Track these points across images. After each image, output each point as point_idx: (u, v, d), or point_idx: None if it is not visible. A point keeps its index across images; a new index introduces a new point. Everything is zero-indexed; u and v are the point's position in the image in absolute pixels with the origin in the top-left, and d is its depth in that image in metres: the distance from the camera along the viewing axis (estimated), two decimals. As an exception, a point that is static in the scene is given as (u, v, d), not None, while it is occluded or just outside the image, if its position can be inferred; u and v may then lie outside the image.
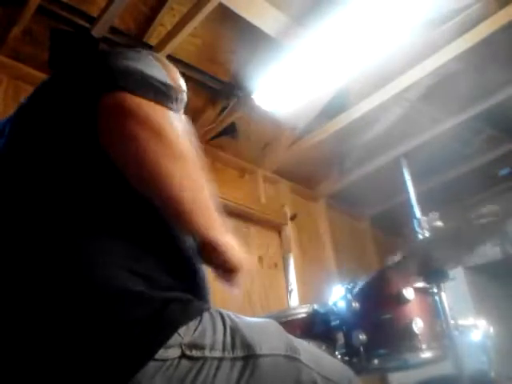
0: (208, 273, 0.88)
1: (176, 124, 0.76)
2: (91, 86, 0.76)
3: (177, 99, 0.79)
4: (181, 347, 0.70)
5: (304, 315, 1.70)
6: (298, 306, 2.47)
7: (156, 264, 0.77)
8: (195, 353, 0.71)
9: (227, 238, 0.81)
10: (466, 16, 2.49)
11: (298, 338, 0.88)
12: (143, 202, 0.79)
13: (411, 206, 1.47)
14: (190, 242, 0.87)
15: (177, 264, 0.82)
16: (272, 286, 3.16)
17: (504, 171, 3.74)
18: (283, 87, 2.74)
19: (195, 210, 0.76)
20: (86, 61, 0.87)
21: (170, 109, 0.77)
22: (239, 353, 0.75)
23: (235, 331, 0.77)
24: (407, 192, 1.52)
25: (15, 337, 0.70)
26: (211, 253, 0.80)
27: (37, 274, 0.72)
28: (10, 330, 0.70)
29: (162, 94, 0.76)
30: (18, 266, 0.74)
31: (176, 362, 0.69)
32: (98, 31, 2.32)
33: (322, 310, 1.71)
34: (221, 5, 2.24)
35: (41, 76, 2.48)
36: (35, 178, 0.81)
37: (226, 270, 0.82)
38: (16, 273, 0.73)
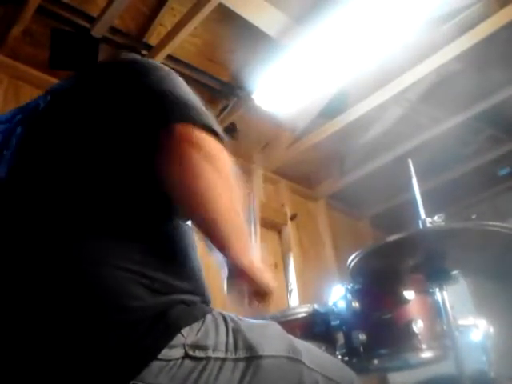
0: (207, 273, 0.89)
1: (226, 155, 0.85)
2: (153, 111, 0.81)
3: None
4: (184, 348, 0.70)
5: (304, 315, 1.70)
6: (298, 306, 2.47)
7: (160, 266, 0.78)
8: (198, 353, 0.71)
9: (256, 262, 0.86)
10: (467, 16, 2.49)
11: (298, 338, 0.88)
12: (152, 206, 0.82)
13: (416, 207, 1.46)
14: (192, 244, 0.88)
15: (180, 266, 0.82)
16: (272, 286, 3.16)
17: (504, 171, 3.74)
18: (283, 87, 2.74)
19: (232, 235, 0.82)
20: (124, 75, 0.89)
21: (222, 139, 0.85)
22: (241, 354, 0.75)
23: (237, 333, 0.78)
24: (412, 193, 1.50)
25: (20, 334, 0.70)
26: (243, 277, 0.85)
27: (41, 274, 0.72)
28: (16, 328, 0.71)
29: (216, 127, 0.85)
30: (23, 264, 0.74)
31: (179, 361, 0.70)
32: (97, 31, 2.32)
33: (322, 310, 1.71)
34: (220, 5, 2.24)
35: (41, 76, 2.48)
36: (48, 179, 0.81)
37: (257, 293, 0.88)
38: (21, 270, 0.74)
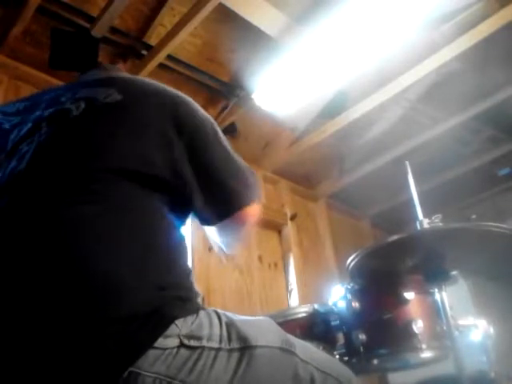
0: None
1: (258, 215, 1.04)
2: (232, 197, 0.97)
3: None
4: (179, 337, 0.72)
5: (304, 315, 1.70)
6: (298, 306, 2.47)
7: (158, 263, 0.80)
8: (193, 342, 0.73)
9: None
10: (467, 16, 2.50)
11: (298, 337, 0.89)
12: (155, 208, 0.84)
13: (414, 208, 1.47)
14: (185, 242, 0.90)
15: (176, 263, 0.84)
16: (272, 286, 3.16)
17: (504, 171, 3.75)
18: (283, 87, 2.75)
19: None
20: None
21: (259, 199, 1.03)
22: (235, 345, 0.77)
23: (231, 326, 0.80)
24: (409, 194, 1.51)
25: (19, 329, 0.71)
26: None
27: (38, 267, 0.73)
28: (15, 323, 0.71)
29: (257, 193, 1.02)
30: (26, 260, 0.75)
31: (175, 350, 0.72)
32: (97, 31, 2.32)
33: (322, 310, 1.71)
34: (221, 5, 2.24)
35: (41, 76, 2.48)
36: (66, 180, 0.83)
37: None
38: (24, 265, 0.75)
